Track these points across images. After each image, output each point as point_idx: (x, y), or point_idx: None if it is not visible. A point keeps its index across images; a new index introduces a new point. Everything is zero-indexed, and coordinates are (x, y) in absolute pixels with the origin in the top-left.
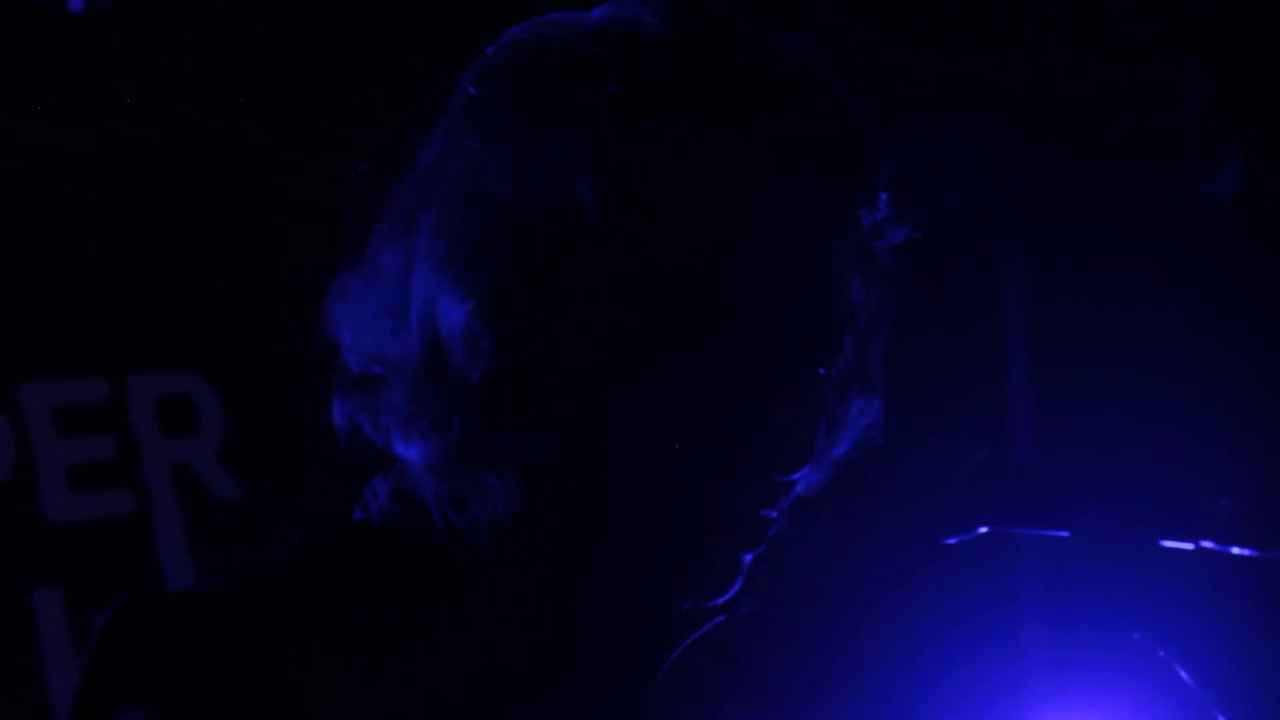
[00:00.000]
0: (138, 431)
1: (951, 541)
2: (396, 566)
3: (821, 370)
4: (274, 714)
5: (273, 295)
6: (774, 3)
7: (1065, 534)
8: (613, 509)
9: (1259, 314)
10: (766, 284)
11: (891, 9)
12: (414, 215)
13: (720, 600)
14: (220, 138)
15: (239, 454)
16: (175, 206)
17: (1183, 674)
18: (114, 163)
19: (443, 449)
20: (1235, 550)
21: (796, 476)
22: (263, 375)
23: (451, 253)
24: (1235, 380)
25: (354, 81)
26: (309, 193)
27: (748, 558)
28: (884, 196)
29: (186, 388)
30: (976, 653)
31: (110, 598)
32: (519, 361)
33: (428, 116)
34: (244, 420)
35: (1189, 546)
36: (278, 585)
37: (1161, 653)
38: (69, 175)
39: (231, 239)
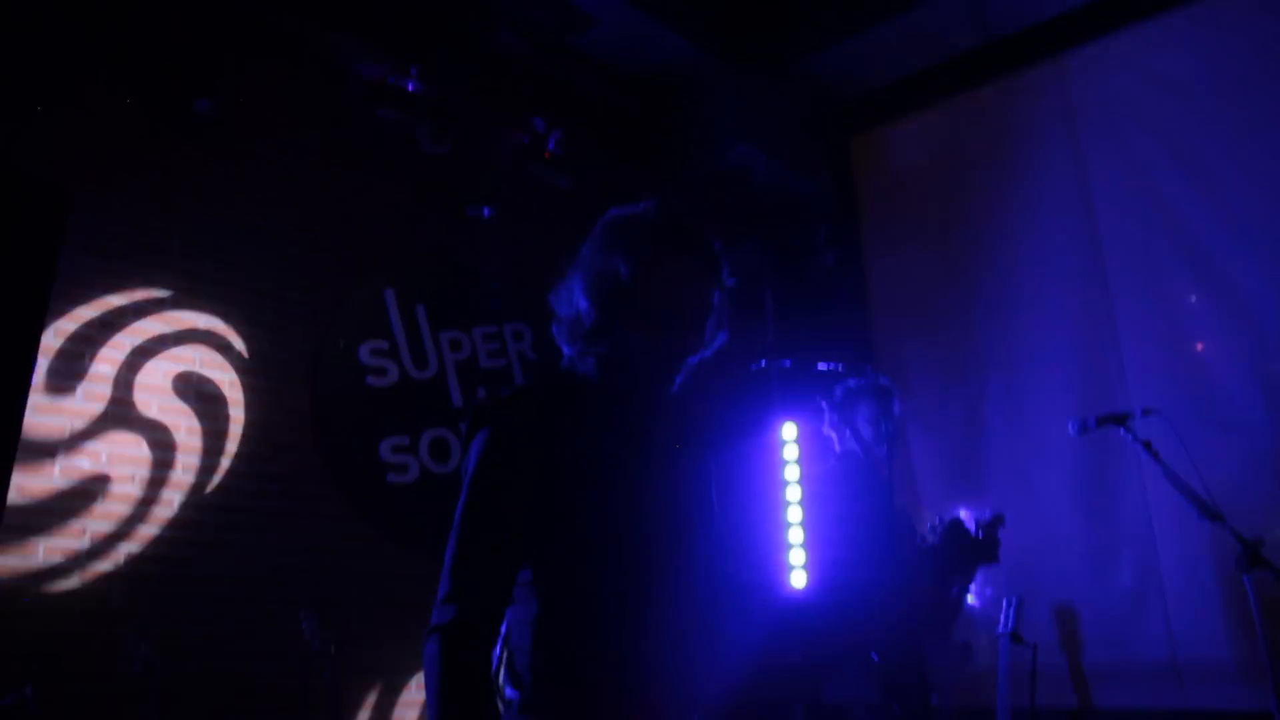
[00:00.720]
0: None
1: None
2: (569, 378)
3: (708, 327)
4: (538, 421)
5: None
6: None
7: None
8: (639, 360)
9: None
10: (693, 302)
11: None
12: (573, 270)
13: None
14: None
15: None
16: None
17: None
18: None
19: (575, 338)
20: None
21: (696, 353)
22: None
23: (585, 285)
24: None
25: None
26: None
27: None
28: (726, 278)
29: None
30: None
31: None
32: (599, 320)
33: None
34: None
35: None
36: (546, 381)
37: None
38: None
39: None
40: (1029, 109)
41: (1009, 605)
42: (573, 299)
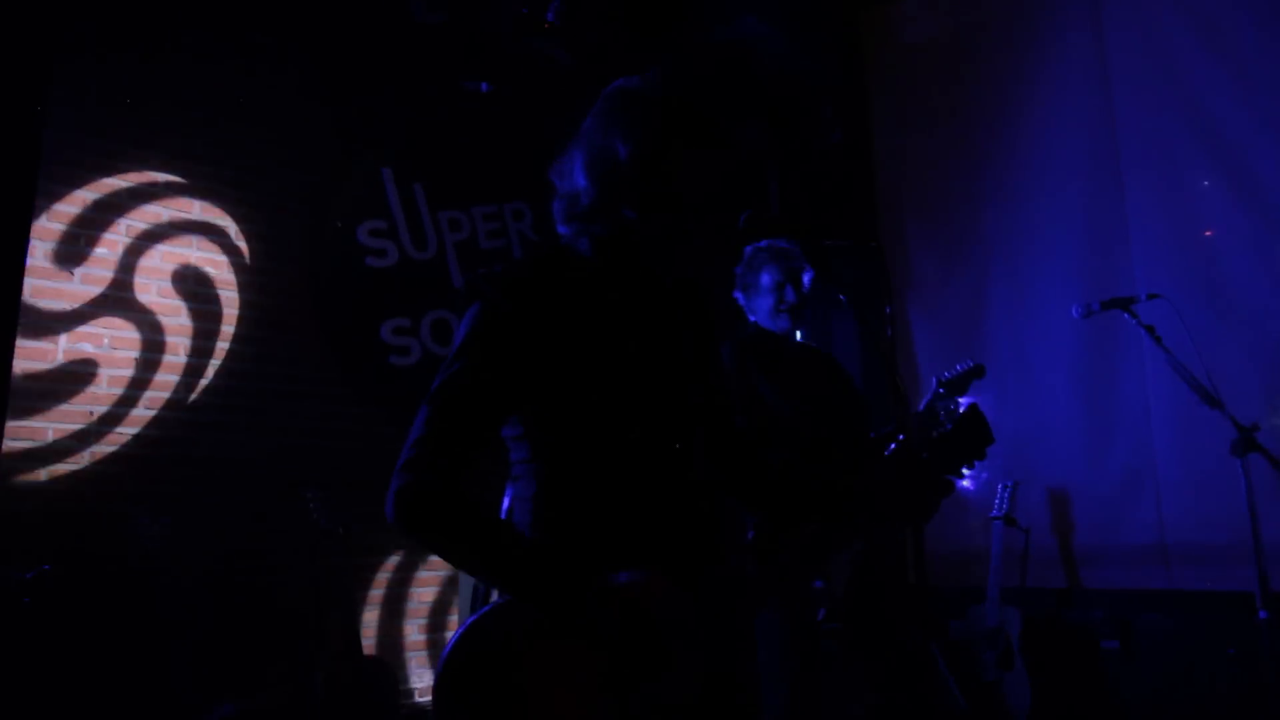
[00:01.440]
0: None
1: None
2: (565, 257)
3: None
4: (531, 297)
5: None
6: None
7: None
8: (636, 240)
9: None
10: (690, 174)
11: None
12: (575, 149)
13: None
14: None
15: None
16: None
17: None
18: None
19: (571, 217)
20: None
21: (697, 233)
22: None
23: (585, 161)
24: None
25: None
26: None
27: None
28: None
29: None
30: None
31: None
32: (597, 199)
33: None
34: None
35: None
36: (540, 257)
37: None
38: None
39: None
40: None
41: (1004, 489)
42: (573, 176)
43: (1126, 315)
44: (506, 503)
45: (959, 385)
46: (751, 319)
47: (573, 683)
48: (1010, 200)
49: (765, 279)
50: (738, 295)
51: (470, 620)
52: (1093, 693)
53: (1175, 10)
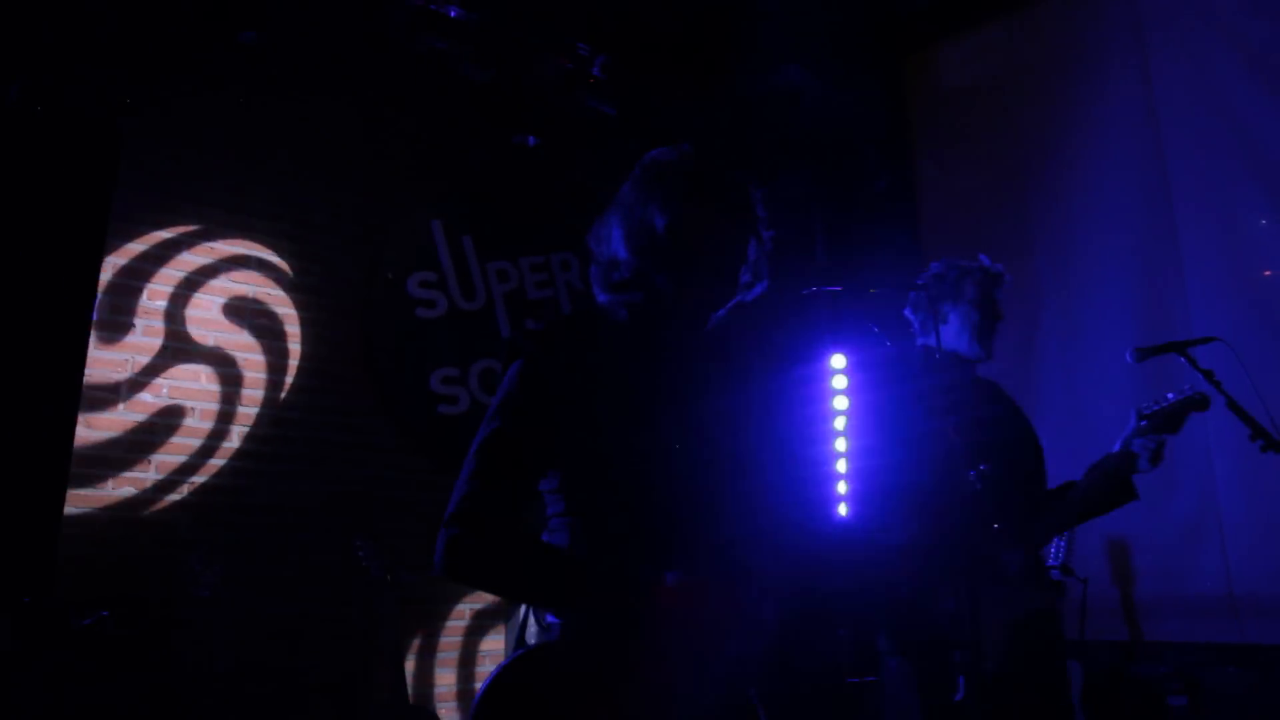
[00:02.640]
0: None
1: None
2: (603, 318)
3: (742, 277)
4: (568, 355)
5: None
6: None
7: None
8: (671, 307)
9: None
10: (726, 253)
11: None
12: (612, 211)
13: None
14: None
15: None
16: None
17: None
18: None
19: (609, 286)
20: None
21: (727, 302)
22: None
23: (623, 232)
24: None
25: None
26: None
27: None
28: (763, 229)
29: None
30: None
31: None
32: (636, 269)
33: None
34: None
35: None
36: (579, 317)
37: None
38: None
39: None
40: (1093, 21)
41: (1059, 538)
42: (611, 244)
43: (1183, 359)
44: None
45: (1170, 420)
46: (921, 342)
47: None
48: (1060, 243)
49: (969, 292)
50: (909, 313)
51: (503, 664)
52: None
53: (1224, 45)
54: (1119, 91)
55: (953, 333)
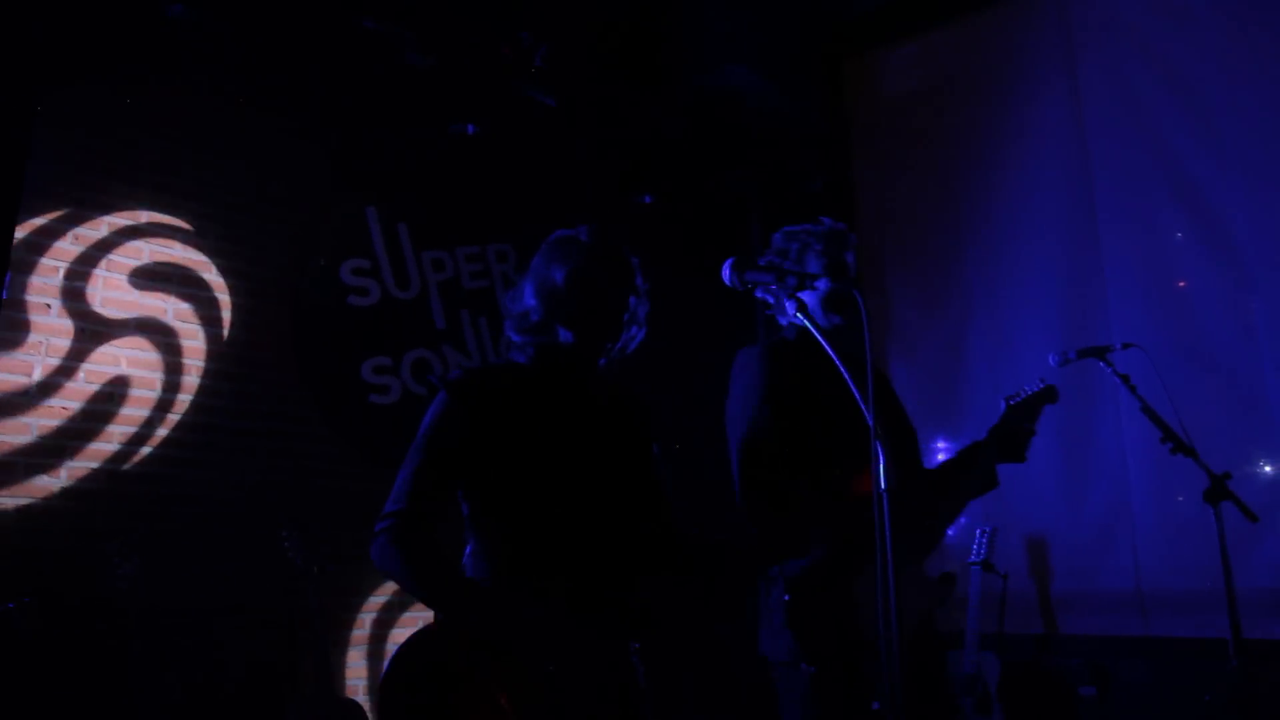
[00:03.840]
0: None
1: None
2: (512, 366)
3: (626, 317)
4: (485, 396)
5: None
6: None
7: None
8: (567, 349)
9: None
10: (610, 306)
11: None
12: (526, 278)
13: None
14: None
15: None
16: None
17: None
18: None
19: (521, 329)
20: None
21: (612, 345)
22: None
23: (533, 285)
24: None
25: None
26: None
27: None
28: (641, 286)
29: None
30: None
31: None
32: (543, 316)
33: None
34: None
35: None
36: (492, 367)
37: None
38: None
39: None
40: (1027, 34)
41: (982, 534)
42: (523, 298)
43: (1102, 364)
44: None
45: (1027, 410)
46: (784, 321)
47: (490, 688)
48: (990, 249)
49: (813, 264)
50: (761, 294)
51: (411, 636)
52: None
53: (1147, 65)
54: (1050, 104)
55: (805, 308)
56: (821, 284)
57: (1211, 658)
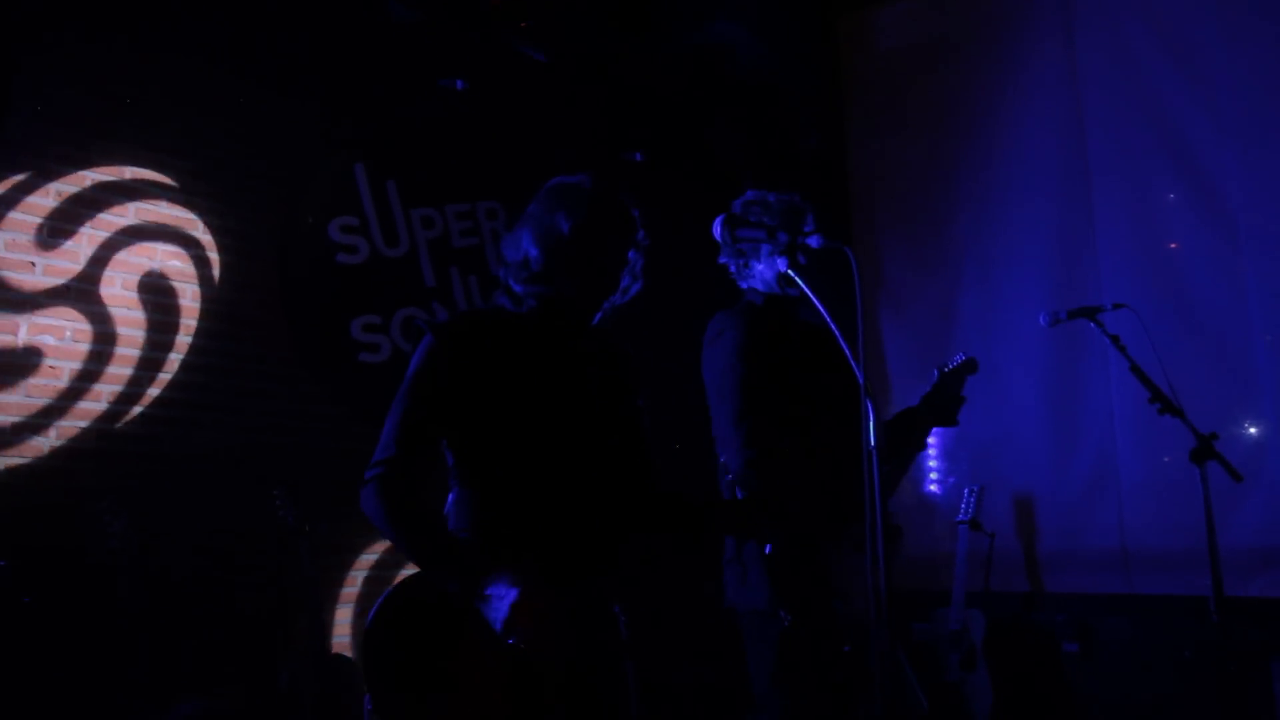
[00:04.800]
0: None
1: None
2: (511, 312)
3: (626, 273)
4: (476, 340)
5: None
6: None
7: None
8: (571, 301)
9: None
10: (614, 259)
11: None
12: (522, 224)
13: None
14: None
15: None
16: None
17: None
18: None
19: (521, 279)
20: None
21: (610, 298)
22: None
23: (533, 232)
24: None
25: None
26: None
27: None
28: (642, 239)
29: None
30: None
31: None
32: (546, 266)
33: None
34: None
35: None
36: (483, 312)
37: None
38: None
39: None
40: None
41: (970, 493)
42: (521, 246)
43: (1092, 324)
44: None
45: (953, 379)
46: (745, 285)
47: (471, 638)
48: (982, 208)
49: (771, 221)
50: (725, 259)
51: (393, 586)
52: (1053, 694)
53: (1145, 25)
54: (1044, 63)
55: (764, 270)
56: (814, 241)
57: (1193, 615)
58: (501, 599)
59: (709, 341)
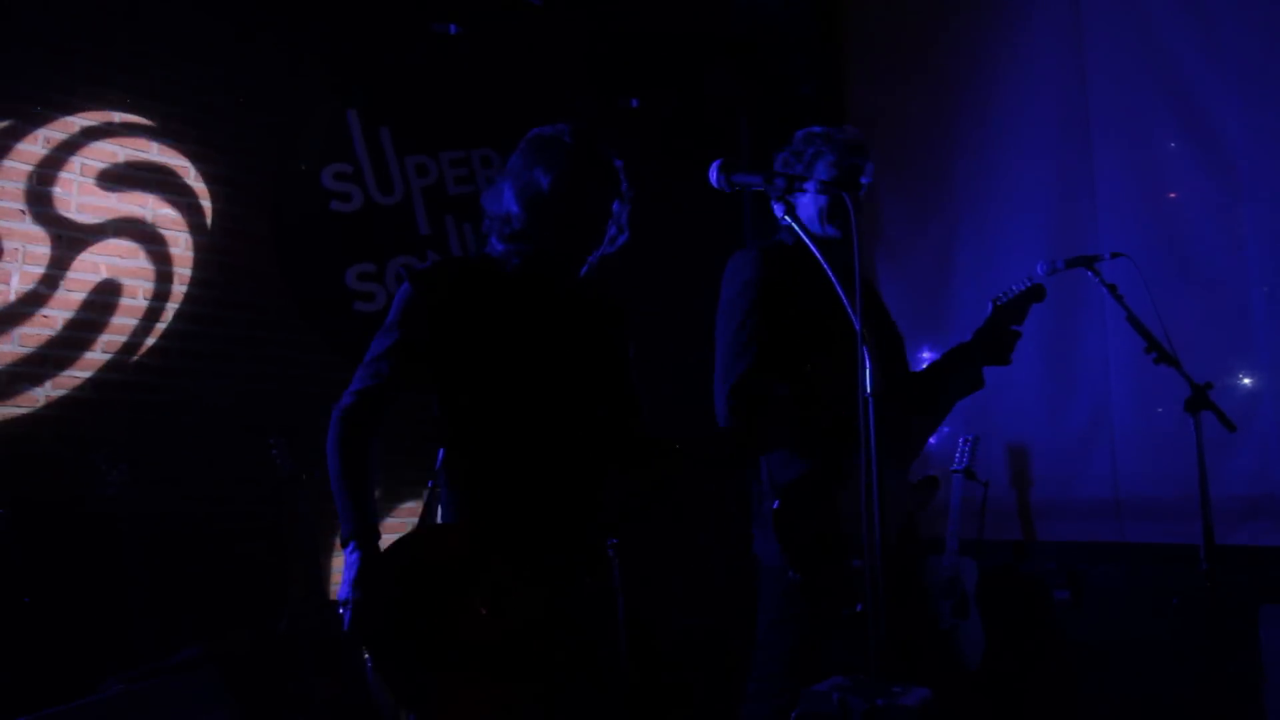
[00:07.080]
0: None
1: None
2: (497, 263)
3: (611, 224)
4: (459, 287)
5: None
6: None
7: None
8: (554, 255)
9: None
10: (597, 211)
11: None
12: (504, 177)
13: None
14: None
15: None
16: None
17: None
18: None
19: (504, 237)
20: None
21: (596, 250)
22: None
23: (514, 187)
24: None
25: None
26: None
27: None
28: (625, 190)
29: None
30: None
31: None
32: (527, 222)
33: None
34: None
35: None
36: (468, 261)
37: None
38: None
39: None
40: None
41: (964, 443)
42: (502, 201)
43: (1090, 273)
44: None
45: (1014, 311)
46: (784, 222)
47: (469, 593)
48: (981, 156)
49: (822, 171)
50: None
51: (399, 538)
52: (1044, 640)
53: None
54: (1048, 9)
55: (805, 213)
56: (810, 187)
57: (1183, 562)
58: (349, 568)
59: (725, 280)
